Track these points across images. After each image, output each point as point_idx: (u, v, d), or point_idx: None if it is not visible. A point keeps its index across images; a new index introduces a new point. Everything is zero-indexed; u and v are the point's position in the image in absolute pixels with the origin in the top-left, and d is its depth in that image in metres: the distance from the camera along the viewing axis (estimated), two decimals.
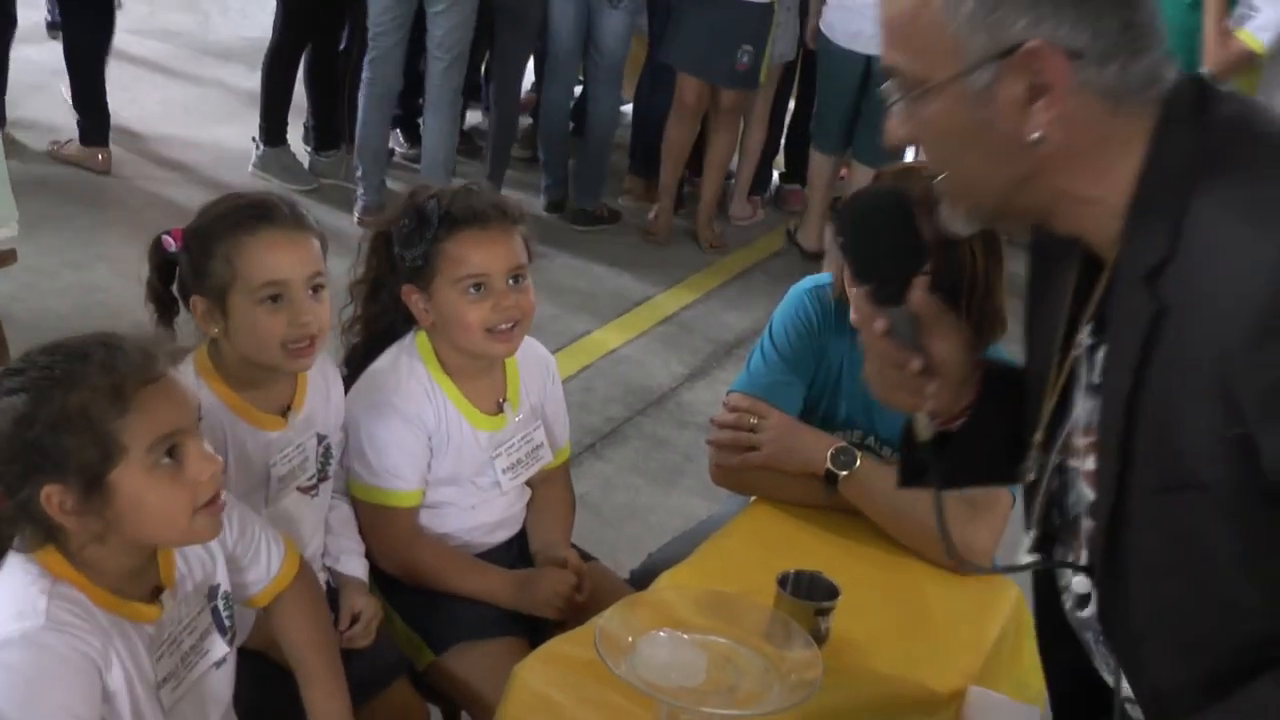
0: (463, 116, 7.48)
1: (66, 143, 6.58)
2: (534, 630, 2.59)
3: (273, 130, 6.71)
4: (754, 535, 2.66)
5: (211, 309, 2.28)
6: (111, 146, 6.62)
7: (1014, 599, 2.53)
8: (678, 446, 4.92)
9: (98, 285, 5.35)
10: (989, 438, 1.84)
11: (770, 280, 6.54)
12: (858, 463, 2.59)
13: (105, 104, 6.55)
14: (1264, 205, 1.36)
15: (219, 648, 2.04)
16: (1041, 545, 1.74)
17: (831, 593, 2.27)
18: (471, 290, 2.50)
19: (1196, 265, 1.39)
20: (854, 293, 1.75)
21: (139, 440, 1.77)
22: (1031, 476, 1.74)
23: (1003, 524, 2.58)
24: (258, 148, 6.76)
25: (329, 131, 6.92)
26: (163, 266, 2.34)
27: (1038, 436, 1.71)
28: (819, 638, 2.19)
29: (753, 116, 7.12)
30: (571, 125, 7.16)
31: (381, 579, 2.64)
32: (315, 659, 2.24)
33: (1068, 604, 1.73)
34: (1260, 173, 1.40)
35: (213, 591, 2.05)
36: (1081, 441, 1.63)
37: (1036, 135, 1.46)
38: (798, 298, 2.86)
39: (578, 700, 2.07)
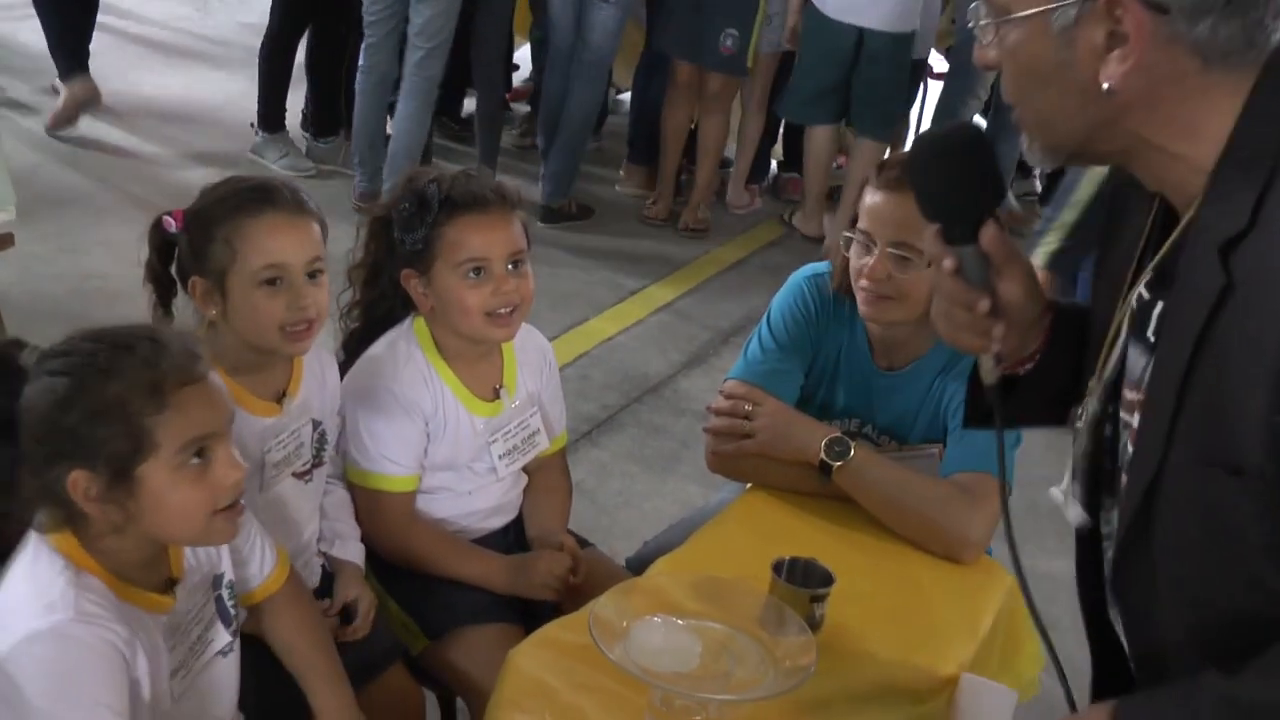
0: (461, 104, 7.50)
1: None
2: (529, 617, 2.59)
3: (271, 116, 6.71)
4: (749, 522, 2.66)
5: (210, 290, 2.28)
6: (111, 132, 6.62)
7: (1007, 587, 2.53)
8: (674, 434, 4.92)
9: (96, 270, 5.35)
10: (1055, 382, 1.82)
11: (768, 269, 6.54)
12: (852, 453, 2.59)
13: None
14: None
15: (223, 637, 2.05)
16: (1092, 492, 1.71)
17: (826, 579, 2.27)
18: (471, 275, 2.50)
19: (1274, 244, 1.37)
20: (926, 231, 1.72)
21: (171, 439, 1.78)
22: (1079, 423, 1.73)
23: (998, 511, 2.58)
24: (256, 133, 6.76)
25: (328, 118, 6.92)
26: (162, 247, 2.35)
27: (1092, 383, 1.70)
28: (813, 624, 2.19)
29: (750, 105, 7.13)
30: None
31: (377, 564, 2.65)
32: (317, 658, 2.26)
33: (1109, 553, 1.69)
34: None
35: (217, 581, 2.06)
36: (1130, 395, 1.61)
37: (1107, 85, 1.45)
38: (796, 286, 2.86)
39: (572, 685, 2.07)
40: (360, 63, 6.25)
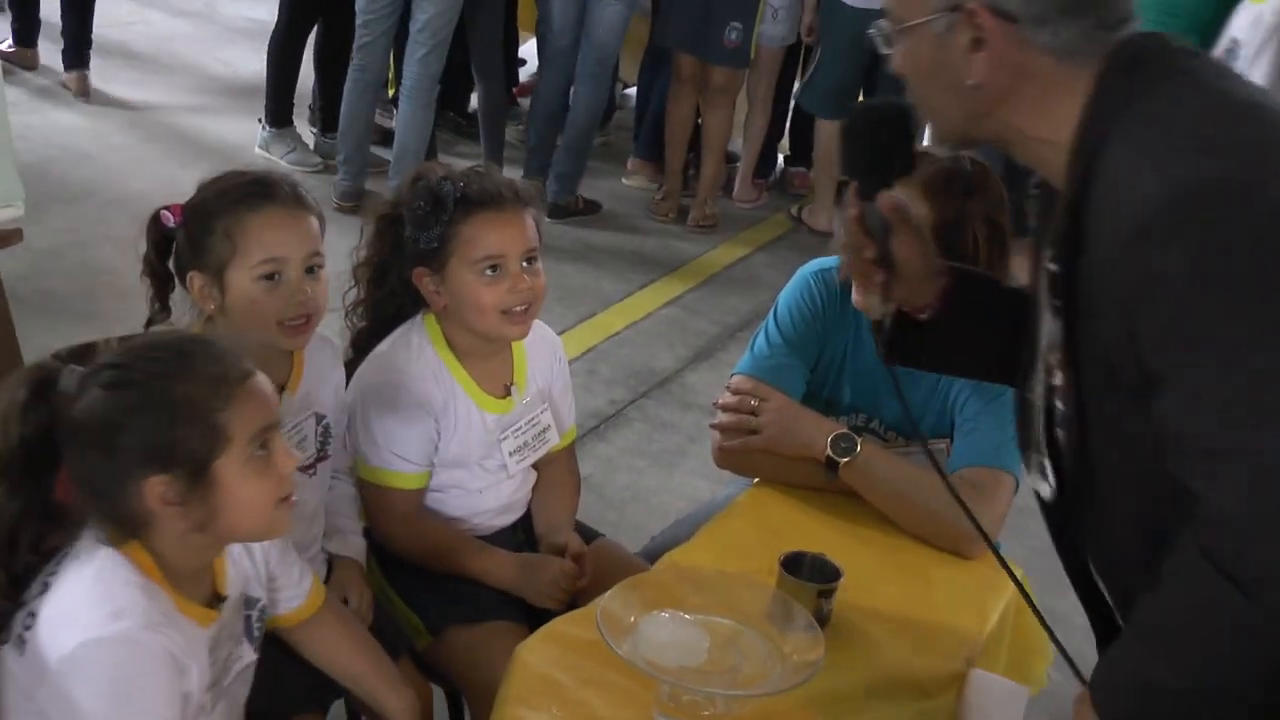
0: (468, 99, 7.49)
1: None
2: (534, 613, 2.58)
3: (278, 111, 6.71)
4: (756, 517, 2.66)
5: (209, 285, 2.29)
6: (120, 128, 6.63)
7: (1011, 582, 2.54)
8: (681, 429, 4.92)
9: (105, 266, 5.36)
10: (962, 336, 2.12)
11: (775, 263, 6.54)
12: (858, 449, 2.59)
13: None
14: (1158, 141, 1.58)
15: (249, 654, 2.08)
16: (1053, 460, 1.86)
17: (834, 574, 2.27)
18: (487, 272, 2.50)
19: (1101, 195, 1.62)
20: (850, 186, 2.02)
21: (241, 432, 1.82)
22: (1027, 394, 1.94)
23: (1005, 506, 2.58)
24: (264, 129, 6.76)
25: (335, 113, 6.92)
26: (160, 242, 2.35)
27: (1027, 355, 1.92)
28: (821, 619, 2.19)
29: (756, 99, 7.12)
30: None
31: (382, 559, 2.66)
32: (367, 667, 2.29)
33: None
34: (1167, 115, 1.61)
35: (250, 602, 2.09)
36: (1052, 360, 1.80)
37: (973, 82, 1.72)
38: (803, 280, 2.86)
39: (580, 681, 2.07)
40: (352, 61, 6.22)
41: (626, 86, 8.44)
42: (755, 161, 7.43)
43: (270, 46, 6.65)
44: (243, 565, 2.07)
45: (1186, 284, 1.51)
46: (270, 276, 2.28)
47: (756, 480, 2.80)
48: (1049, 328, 1.79)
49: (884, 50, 1.83)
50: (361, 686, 2.29)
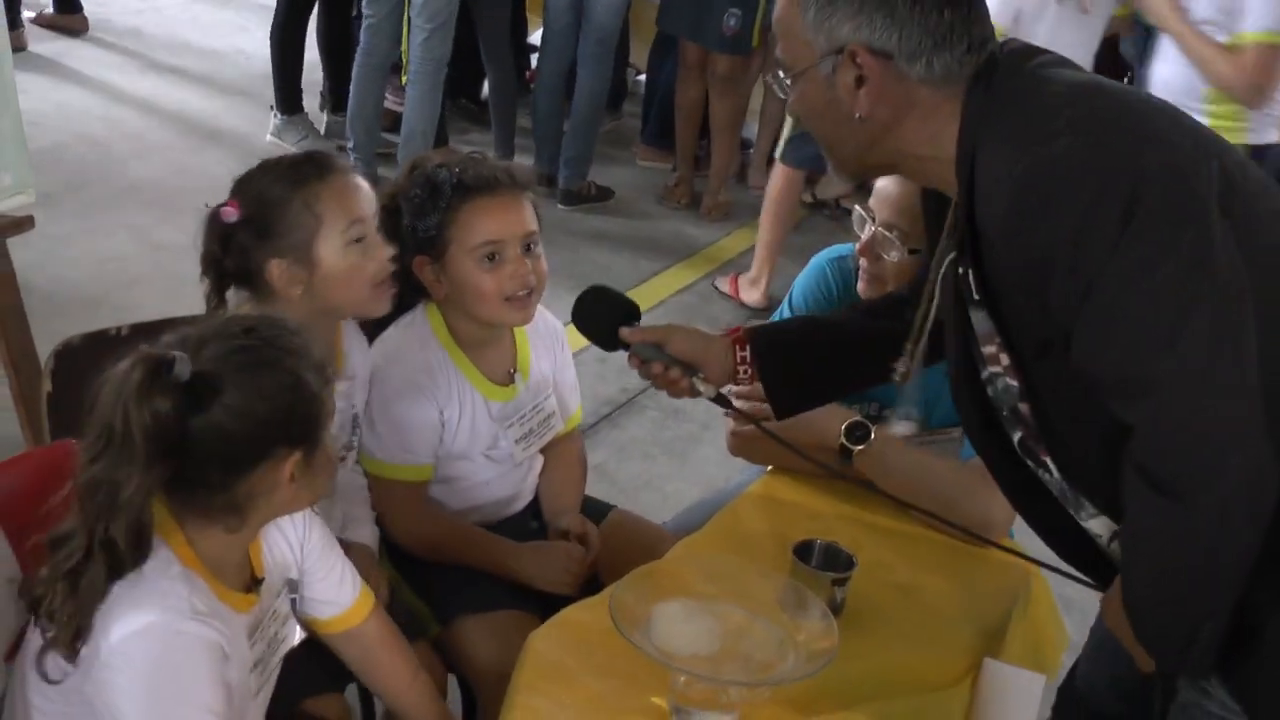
0: (480, 85, 7.47)
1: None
2: (544, 603, 2.58)
3: (288, 97, 6.70)
4: (770, 505, 2.65)
5: (292, 267, 2.29)
6: (129, 113, 6.62)
7: (1030, 569, 2.52)
8: (694, 416, 4.91)
9: (116, 253, 5.36)
10: (806, 381, 2.39)
11: (789, 250, 6.51)
12: (872, 437, 2.58)
13: None
14: (1018, 135, 1.75)
15: (296, 634, 2.11)
16: (987, 427, 2.04)
17: (847, 563, 2.26)
18: (486, 259, 2.50)
19: (980, 195, 1.79)
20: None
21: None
22: (901, 371, 2.18)
23: None
24: (275, 116, 6.75)
25: (344, 94, 6.92)
26: (223, 237, 2.31)
27: (908, 345, 2.15)
28: (834, 608, 2.18)
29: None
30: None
31: (390, 549, 2.65)
32: (415, 702, 2.29)
33: (1046, 477, 2.03)
34: (1021, 112, 1.77)
35: (294, 585, 2.11)
36: (990, 349, 1.94)
37: (859, 115, 1.88)
38: (818, 267, 2.85)
39: (591, 669, 2.07)
40: (360, 44, 6.22)
41: (639, 73, 8.41)
42: (771, 147, 7.37)
43: (272, 34, 6.63)
44: (280, 550, 2.09)
45: (1064, 248, 1.68)
46: (358, 240, 2.32)
47: (769, 468, 2.78)
48: (979, 323, 1.93)
49: (781, 96, 2.01)
50: (404, 708, 2.29)
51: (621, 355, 2.36)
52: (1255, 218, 1.74)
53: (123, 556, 1.77)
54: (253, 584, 1.98)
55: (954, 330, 1.99)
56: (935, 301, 2.06)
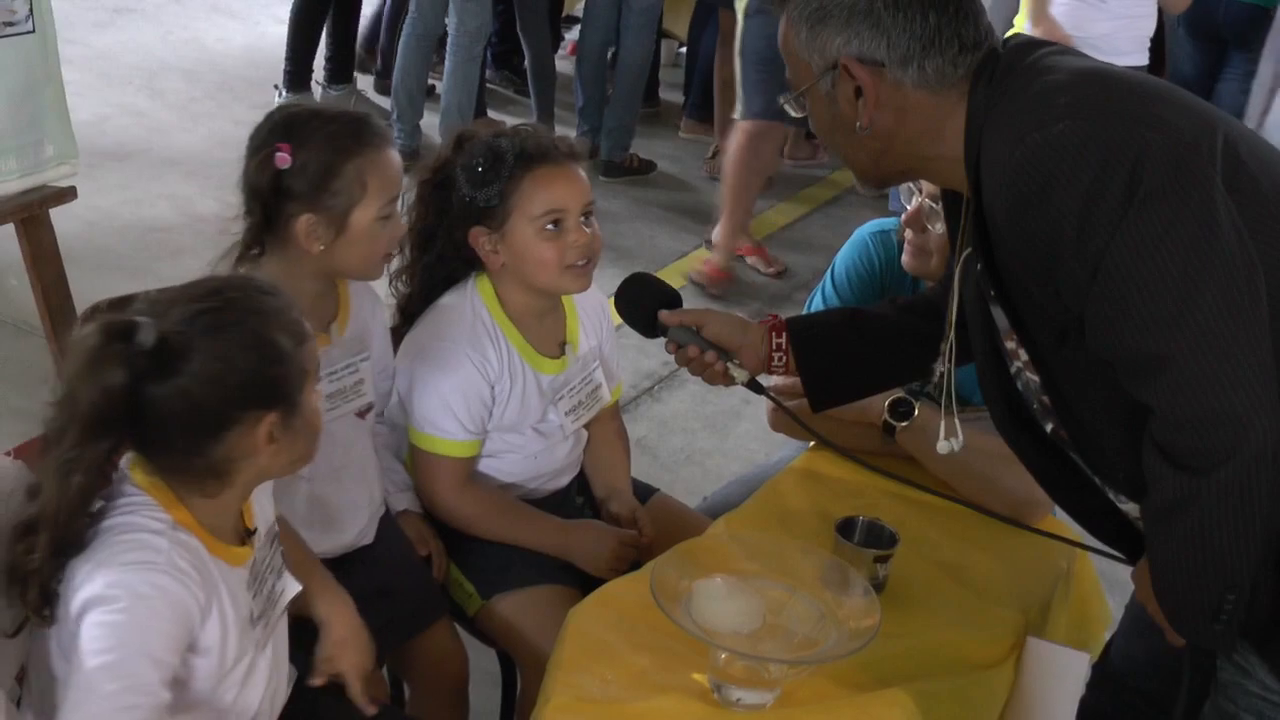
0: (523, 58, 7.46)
1: None
2: (583, 579, 2.58)
3: (298, 74, 6.71)
4: (812, 481, 2.64)
5: (321, 225, 2.29)
6: (172, 84, 6.63)
7: (1070, 548, 2.50)
8: (735, 390, 4.82)
9: (159, 224, 5.38)
10: (835, 369, 2.39)
11: (831, 223, 6.49)
12: (916, 413, 2.56)
13: None
14: (1014, 124, 1.77)
15: (292, 586, 2.08)
16: (1016, 420, 2.06)
17: (890, 540, 2.25)
18: (549, 227, 2.49)
19: (988, 181, 1.81)
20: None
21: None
22: (940, 371, 2.19)
23: None
24: (280, 94, 6.71)
25: (343, 65, 6.92)
26: (273, 179, 2.30)
27: (943, 346, 2.16)
28: (877, 585, 2.17)
29: None
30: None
31: (434, 524, 2.64)
32: (312, 569, 2.25)
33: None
34: (1021, 101, 1.80)
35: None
36: (1010, 344, 1.98)
37: (860, 124, 1.92)
38: (861, 240, 2.83)
39: (632, 645, 2.06)
40: (408, 15, 6.24)
41: (681, 45, 8.38)
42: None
43: (295, 9, 6.65)
44: (262, 499, 2.06)
45: (1068, 229, 1.69)
46: (386, 219, 2.34)
47: (812, 444, 2.76)
48: (999, 318, 1.96)
49: (797, 115, 2.05)
50: (307, 588, 2.22)
51: None
52: (1260, 193, 1.75)
53: (69, 525, 1.76)
54: (246, 535, 1.96)
55: (979, 327, 2.01)
56: (957, 299, 2.07)
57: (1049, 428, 2.02)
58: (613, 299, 2.39)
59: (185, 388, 1.75)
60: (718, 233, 5.81)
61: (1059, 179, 1.69)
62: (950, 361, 2.17)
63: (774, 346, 2.37)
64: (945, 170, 1.96)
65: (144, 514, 1.81)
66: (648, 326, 2.39)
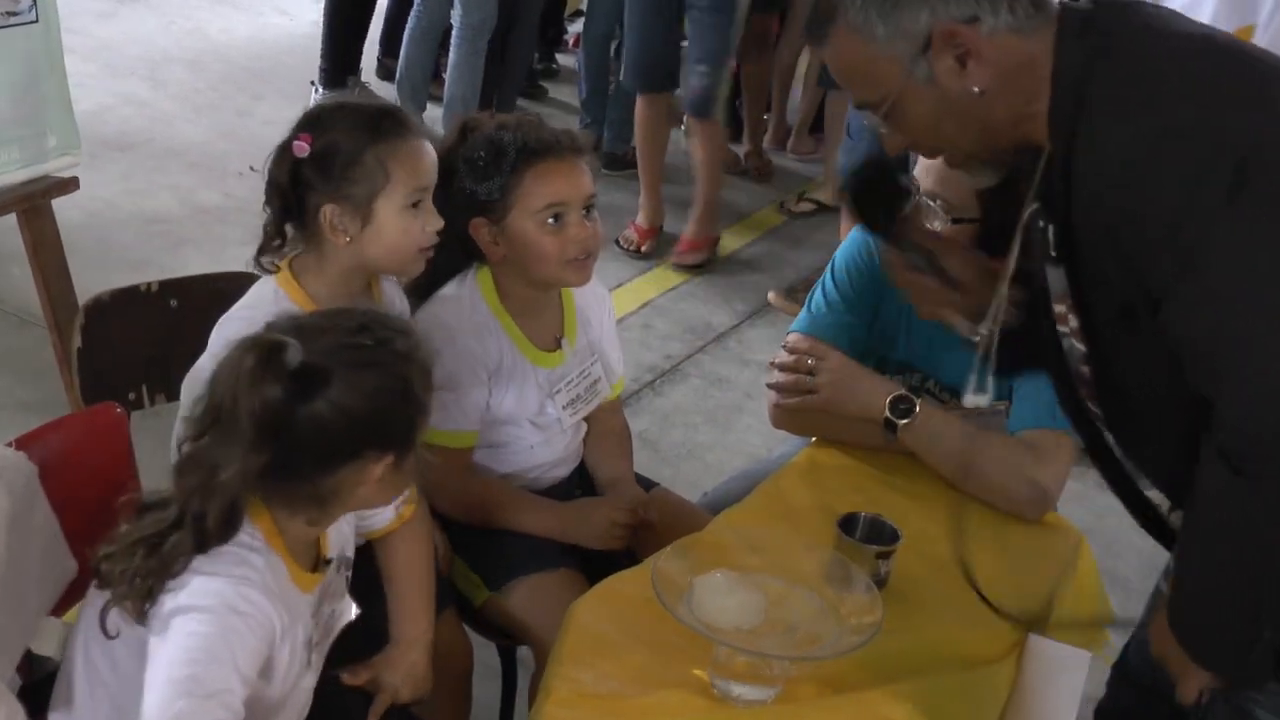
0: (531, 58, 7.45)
1: None
2: (590, 561, 2.59)
3: (335, 73, 6.65)
4: (814, 476, 2.63)
5: (345, 215, 2.28)
6: (174, 75, 6.63)
7: (1074, 544, 2.50)
8: (738, 385, 4.90)
9: (161, 215, 5.38)
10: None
11: (834, 218, 6.46)
12: (917, 410, 2.56)
13: None
14: (1128, 97, 1.73)
15: (349, 611, 2.12)
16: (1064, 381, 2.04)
17: (893, 536, 2.25)
18: (550, 221, 2.49)
19: (1087, 151, 1.75)
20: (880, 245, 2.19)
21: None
22: (984, 333, 2.09)
23: (1067, 467, 2.54)
24: (316, 90, 6.69)
25: (340, 65, 6.91)
26: (293, 170, 2.30)
27: (994, 303, 2.06)
28: (879, 581, 2.17)
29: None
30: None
31: (437, 516, 2.64)
32: (411, 592, 2.31)
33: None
34: (1130, 72, 1.74)
35: (347, 562, 2.12)
36: (1060, 308, 1.94)
37: (977, 90, 1.82)
38: (861, 238, 2.82)
39: (633, 640, 2.06)
40: (414, 8, 6.24)
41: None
42: (813, 113, 7.31)
43: (332, 4, 6.63)
44: (341, 527, 2.09)
45: (1167, 215, 1.66)
46: (415, 205, 2.31)
47: (813, 439, 2.76)
48: (1053, 280, 1.92)
49: (887, 138, 1.96)
50: (394, 605, 2.30)
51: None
52: None
53: (209, 533, 1.78)
54: (320, 564, 2.00)
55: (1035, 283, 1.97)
56: (1016, 256, 2.01)
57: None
58: (847, 185, 2.27)
59: (320, 414, 1.78)
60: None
61: (1166, 165, 1.66)
62: (996, 321, 2.08)
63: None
64: (1036, 130, 1.86)
65: (243, 530, 1.83)
66: (884, 225, 2.22)
